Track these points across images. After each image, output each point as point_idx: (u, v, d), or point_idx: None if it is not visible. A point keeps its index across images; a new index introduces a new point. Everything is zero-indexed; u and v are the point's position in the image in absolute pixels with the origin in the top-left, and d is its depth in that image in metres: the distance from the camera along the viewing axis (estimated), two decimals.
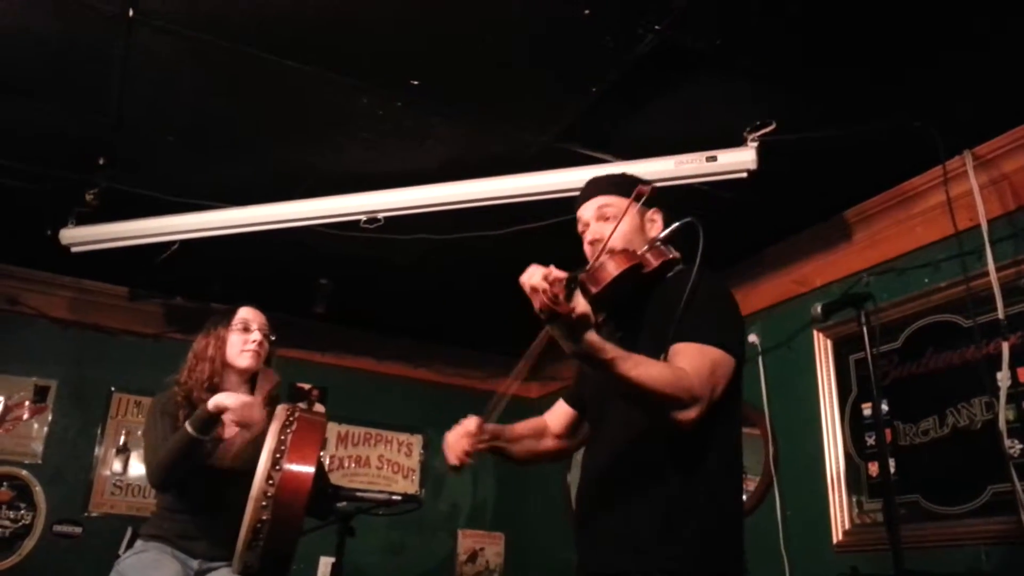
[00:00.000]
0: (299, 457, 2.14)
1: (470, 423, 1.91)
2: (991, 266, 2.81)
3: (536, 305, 1.50)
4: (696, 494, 1.74)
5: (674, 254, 1.93)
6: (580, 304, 1.51)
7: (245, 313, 2.64)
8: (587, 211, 2.02)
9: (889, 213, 3.32)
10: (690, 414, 1.65)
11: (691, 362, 1.71)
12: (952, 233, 2.97)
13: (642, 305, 1.90)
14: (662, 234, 1.97)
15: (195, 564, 2.36)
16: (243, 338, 2.58)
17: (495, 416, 1.93)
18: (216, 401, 2.27)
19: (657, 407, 1.67)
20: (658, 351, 1.75)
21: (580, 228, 2.05)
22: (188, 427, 2.26)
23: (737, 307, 1.93)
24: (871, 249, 3.41)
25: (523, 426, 2.15)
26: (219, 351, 2.56)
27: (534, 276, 1.51)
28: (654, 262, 1.87)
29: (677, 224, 1.95)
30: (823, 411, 3.46)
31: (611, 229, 1.85)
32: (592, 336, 1.55)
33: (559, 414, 2.18)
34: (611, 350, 1.59)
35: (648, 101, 2.84)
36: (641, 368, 1.61)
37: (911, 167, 3.15)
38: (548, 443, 2.17)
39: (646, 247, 1.91)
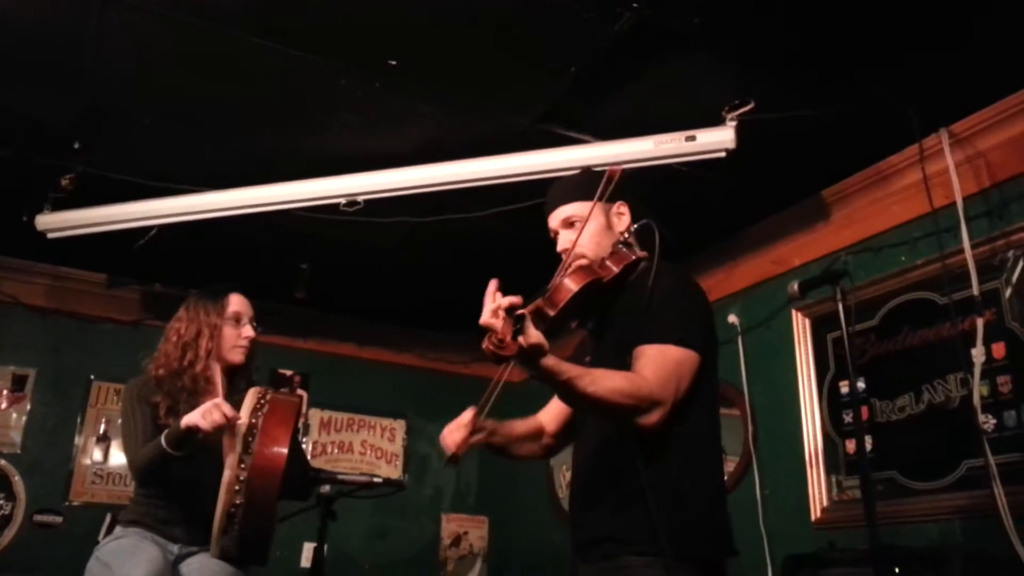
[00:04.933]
0: (271, 440, 2.13)
1: (465, 415, 1.94)
2: (966, 243, 2.83)
3: (483, 346, 1.56)
4: (670, 486, 1.77)
5: (637, 254, 1.96)
6: (531, 336, 1.57)
7: (237, 304, 2.57)
8: (554, 221, 2.06)
9: (866, 192, 3.35)
10: (651, 418, 1.72)
11: (651, 364, 1.76)
12: (928, 211, 3.00)
13: (612, 308, 1.95)
14: (619, 231, 2.00)
15: (175, 549, 2.34)
16: (237, 332, 2.54)
17: (487, 410, 1.95)
18: (187, 422, 2.18)
19: (619, 417, 1.75)
20: (622, 355, 1.80)
21: (551, 235, 2.08)
22: (163, 443, 2.20)
23: (698, 297, 1.95)
24: (848, 228, 3.44)
25: (522, 427, 2.17)
26: (215, 343, 2.50)
27: (486, 312, 1.56)
28: (615, 269, 1.91)
29: (635, 226, 2.00)
30: (801, 390, 3.49)
31: (576, 236, 1.91)
32: (547, 361, 1.62)
33: (554, 413, 2.20)
34: (567, 371, 1.65)
35: (627, 81, 2.83)
36: (599, 383, 1.68)
37: (888, 146, 3.17)
38: (545, 441, 2.20)
39: (608, 253, 1.94)
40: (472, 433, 1.93)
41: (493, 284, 1.60)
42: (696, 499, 1.80)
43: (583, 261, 1.90)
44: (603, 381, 1.68)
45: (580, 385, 1.66)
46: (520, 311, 1.57)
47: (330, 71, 2.77)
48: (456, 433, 1.93)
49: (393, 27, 2.58)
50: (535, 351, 1.58)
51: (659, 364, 1.75)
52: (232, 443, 2.13)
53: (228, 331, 2.53)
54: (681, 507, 1.76)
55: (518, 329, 1.55)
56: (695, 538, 1.76)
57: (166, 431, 2.20)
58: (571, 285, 1.78)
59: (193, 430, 2.16)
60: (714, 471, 1.93)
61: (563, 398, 1.95)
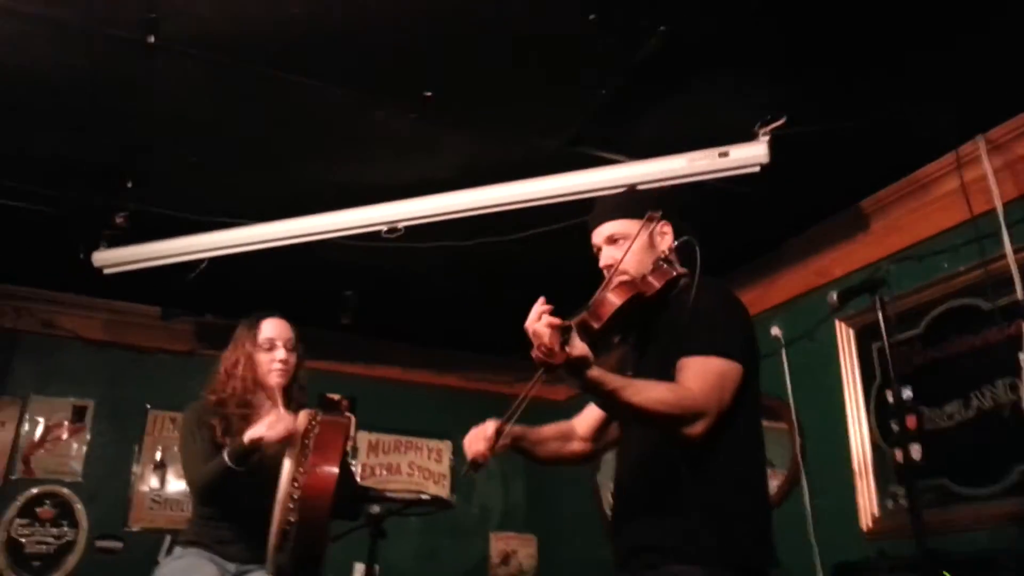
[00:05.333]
0: (322, 459, 2.21)
1: (487, 426, 1.96)
2: (1008, 248, 2.82)
3: (533, 357, 1.59)
4: (715, 496, 1.79)
5: (678, 271, 1.98)
6: (577, 348, 1.62)
7: (268, 331, 2.67)
8: (597, 237, 2.09)
9: (905, 201, 3.34)
10: (696, 428, 1.73)
11: (695, 376, 1.78)
12: (968, 218, 2.99)
13: (653, 324, 1.97)
14: (662, 250, 2.03)
15: (232, 568, 2.43)
16: (270, 357, 2.62)
17: (515, 418, 1.95)
18: (251, 435, 2.31)
19: (663, 427, 1.77)
20: (666, 369, 1.83)
21: (594, 251, 2.12)
22: (226, 458, 2.32)
23: (739, 310, 1.98)
24: (889, 237, 3.42)
25: (549, 429, 2.21)
26: (249, 370, 2.61)
27: (535, 322, 1.62)
28: (657, 285, 1.93)
29: (676, 243, 2.03)
30: (848, 400, 3.47)
31: (621, 254, 1.96)
32: (593, 372, 1.65)
33: (587, 418, 2.23)
34: (612, 381, 1.69)
35: (658, 100, 2.88)
36: (644, 394, 1.71)
37: (925, 154, 3.17)
38: (574, 446, 2.22)
39: (650, 268, 1.97)
40: (496, 440, 1.93)
41: (541, 300, 1.66)
42: (740, 508, 1.81)
43: (625, 276, 1.94)
44: (648, 391, 1.72)
45: (625, 395, 1.69)
46: (566, 323, 1.61)
47: (367, 104, 2.87)
48: (477, 443, 1.95)
49: (425, 59, 2.66)
50: (581, 362, 1.62)
51: (703, 375, 1.78)
52: (292, 455, 2.21)
53: (261, 357, 2.63)
54: (725, 516, 1.77)
55: (565, 340, 1.59)
56: (738, 546, 1.77)
57: (227, 448, 2.30)
58: (615, 299, 1.82)
59: (257, 443, 2.26)
60: (758, 481, 1.94)
61: (608, 410, 1.97)
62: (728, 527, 1.77)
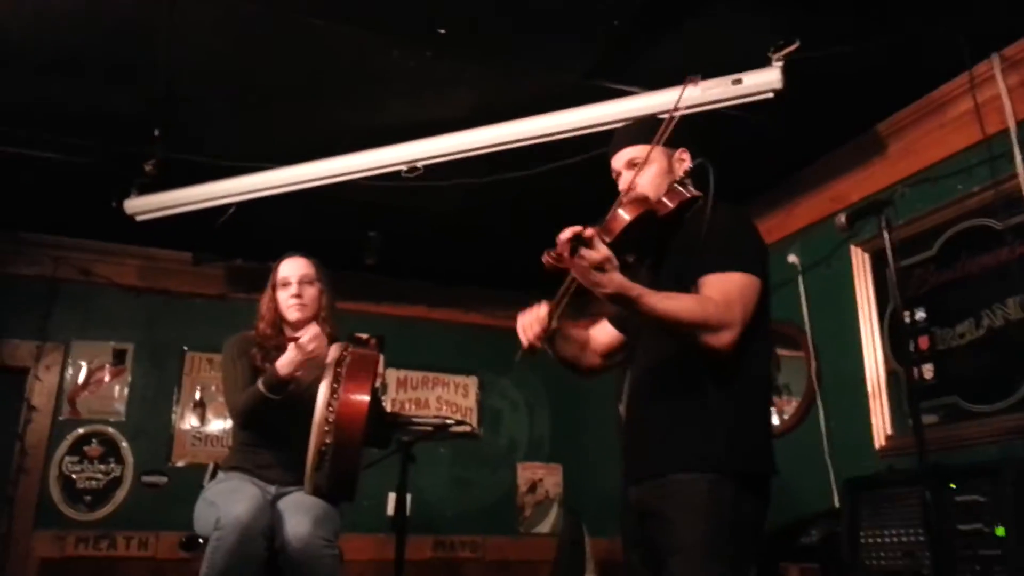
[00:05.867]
0: (355, 386, 2.35)
1: (542, 308, 2.00)
2: (1020, 168, 2.83)
3: (543, 264, 1.67)
4: (729, 404, 1.87)
5: (693, 193, 2.03)
6: (594, 253, 1.66)
7: (284, 269, 2.84)
8: (617, 162, 2.15)
9: (921, 123, 3.34)
10: (722, 338, 1.80)
11: (718, 290, 1.84)
12: (982, 138, 3.00)
13: (668, 245, 2.03)
14: (680, 175, 2.08)
15: (272, 489, 2.60)
16: (286, 293, 2.80)
17: (565, 301, 1.97)
18: (283, 367, 2.48)
19: (689, 335, 1.82)
20: (685, 285, 1.88)
21: (614, 176, 2.17)
22: (262, 387, 2.49)
23: (755, 230, 2.03)
24: (905, 160, 3.44)
25: (577, 332, 2.23)
26: (273, 310, 2.80)
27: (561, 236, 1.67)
28: (671, 204, 1.98)
29: (689, 166, 2.08)
30: (863, 324, 3.53)
31: (638, 177, 2.01)
32: (616, 277, 1.70)
33: (603, 333, 2.28)
34: (636, 288, 1.74)
35: (670, 29, 2.89)
36: (669, 301, 1.77)
37: (940, 75, 3.15)
38: (589, 358, 2.26)
39: (665, 190, 2.02)
40: (549, 324, 1.97)
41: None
42: (745, 418, 1.90)
43: (639, 194, 2.00)
44: (674, 299, 1.78)
45: (650, 301, 1.74)
46: (574, 232, 1.66)
47: (383, 44, 2.92)
48: (534, 327, 1.98)
49: None
50: (601, 264, 1.67)
51: (725, 289, 1.84)
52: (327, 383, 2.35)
53: (280, 295, 2.81)
54: (731, 426, 1.86)
55: (574, 247, 1.64)
56: (741, 454, 1.86)
57: (262, 377, 2.45)
58: (626, 214, 1.87)
59: (289, 370, 2.47)
60: (763, 393, 2.03)
61: (633, 315, 1.93)
62: (733, 436, 1.85)
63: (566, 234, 1.68)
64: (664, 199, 2.00)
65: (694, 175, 2.09)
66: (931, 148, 3.31)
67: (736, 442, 1.86)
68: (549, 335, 2.03)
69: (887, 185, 3.49)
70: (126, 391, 4.77)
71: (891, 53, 2.94)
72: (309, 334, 2.51)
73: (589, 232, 1.70)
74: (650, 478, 1.93)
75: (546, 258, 1.65)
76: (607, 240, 1.80)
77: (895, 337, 3.38)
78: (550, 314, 1.98)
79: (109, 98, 3.29)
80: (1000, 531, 2.35)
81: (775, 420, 3.90)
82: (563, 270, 1.66)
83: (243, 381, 2.60)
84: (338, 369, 2.37)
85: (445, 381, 5.47)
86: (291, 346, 2.49)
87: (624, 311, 1.87)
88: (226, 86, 3.23)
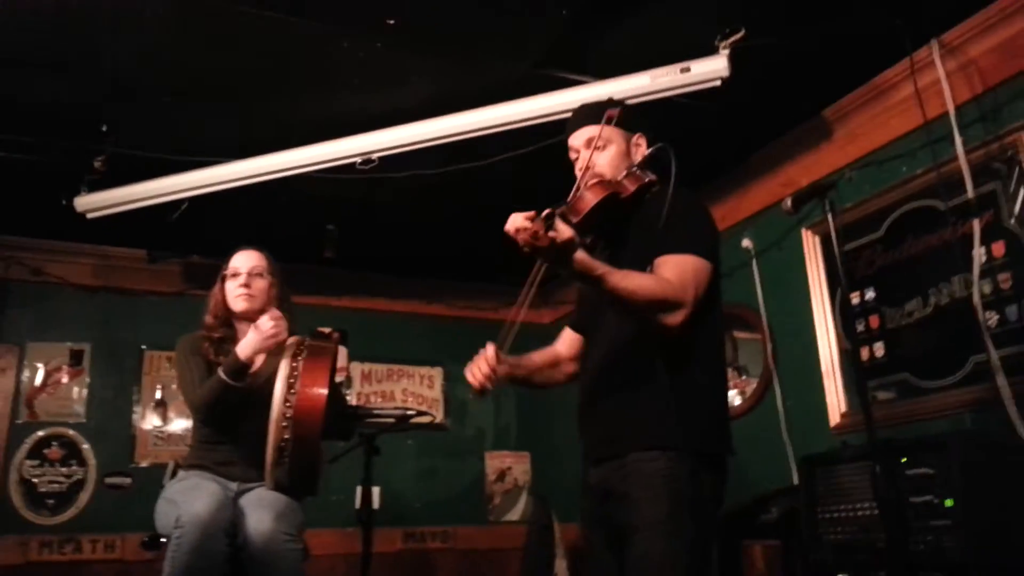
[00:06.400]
0: (311, 380, 2.35)
1: (488, 351, 2.05)
2: (959, 150, 2.92)
3: (520, 243, 1.68)
4: (683, 387, 1.93)
5: (650, 177, 2.09)
6: (563, 232, 1.69)
7: (236, 260, 2.84)
8: (576, 140, 2.19)
9: (865, 108, 3.41)
10: (676, 318, 1.86)
11: (673, 271, 1.90)
12: (923, 122, 3.07)
13: (626, 226, 2.07)
14: (637, 160, 2.13)
15: (234, 486, 2.59)
16: (234, 283, 2.79)
17: (508, 344, 2.07)
18: (243, 351, 2.49)
19: (646, 313, 1.87)
20: (642, 266, 1.93)
21: (571, 156, 2.21)
22: (222, 374, 2.49)
23: (710, 217, 2.10)
24: (851, 145, 3.51)
25: (539, 357, 2.33)
26: (221, 302, 2.80)
27: (515, 220, 1.69)
28: (631, 187, 2.04)
29: (651, 150, 2.13)
30: (815, 305, 3.61)
31: (596, 157, 2.07)
32: (580, 255, 1.74)
33: (568, 340, 2.35)
34: (600, 267, 1.78)
35: (619, 19, 2.92)
36: (629, 280, 1.82)
37: (883, 60, 3.22)
38: (565, 368, 2.33)
39: (624, 173, 2.07)
40: (496, 362, 2.03)
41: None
42: (701, 398, 1.96)
43: (599, 178, 2.04)
44: (633, 278, 1.83)
45: (612, 280, 1.78)
46: (548, 212, 1.67)
47: (333, 36, 2.91)
48: (481, 370, 2.04)
49: None
50: (568, 244, 1.70)
51: (680, 270, 1.90)
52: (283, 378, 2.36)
53: (228, 285, 2.81)
54: (687, 406, 1.91)
55: (549, 225, 1.66)
56: (699, 433, 1.91)
57: (223, 364, 2.45)
58: (592, 196, 1.93)
59: (249, 355, 2.47)
60: (718, 375, 2.09)
61: (594, 292, 1.97)
62: (690, 416, 1.91)
63: (518, 220, 1.69)
64: (625, 182, 2.06)
65: (652, 160, 2.14)
66: (875, 132, 3.39)
67: (691, 422, 1.91)
68: (504, 378, 2.09)
69: (835, 169, 3.57)
70: (85, 392, 4.71)
71: (835, 40, 3.00)
72: (268, 315, 2.51)
73: (563, 208, 1.76)
74: (610, 459, 1.98)
75: (524, 238, 1.65)
76: (573, 221, 1.85)
77: (846, 317, 3.46)
78: (497, 351, 2.02)
79: (53, 93, 3.23)
80: (949, 502, 2.43)
81: (736, 401, 3.97)
82: (540, 249, 1.66)
83: (199, 376, 2.59)
84: (294, 363, 2.37)
85: (410, 373, 5.48)
86: (251, 329, 2.49)
87: (586, 290, 1.91)
88: (174, 80, 3.19)
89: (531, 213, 1.68)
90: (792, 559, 3.11)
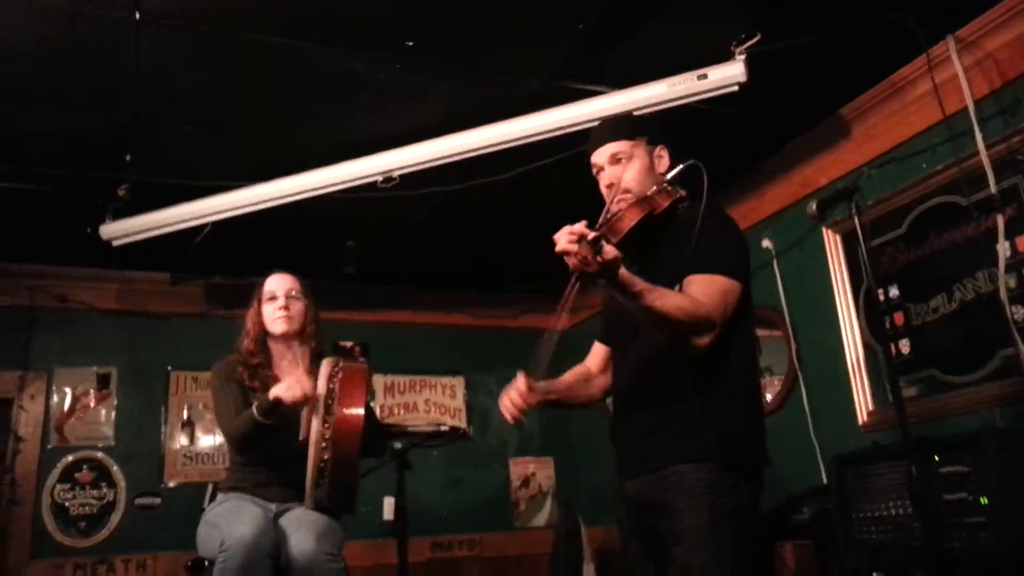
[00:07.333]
0: (348, 400, 2.39)
1: (519, 382, 2.05)
2: (980, 145, 2.92)
3: (570, 266, 1.71)
4: (716, 401, 1.95)
5: (681, 193, 2.12)
6: (608, 252, 1.72)
7: (270, 283, 2.88)
8: (599, 157, 2.20)
9: (883, 106, 3.41)
10: (704, 339, 1.90)
11: (703, 291, 1.92)
12: (942, 118, 3.07)
13: (657, 241, 2.10)
14: (669, 176, 2.14)
15: (273, 507, 2.62)
16: (272, 307, 2.83)
17: (542, 368, 2.08)
18: (274, 394, 2.51)
19: (678, 333, 1.91)
20: (672, 281, 1.95)
21: (595, 172, 2.22)
22: (255, 413, 2.51)
23: (741, 235, 2.13)
24: (870, 143, 3.51)
25: (571, 376, 2.34)
26: (258, 324, 2.83)
27: (562, 240, 1.71)
28: (664, 204, 2.06)
29: (682, 166, 2.13)
30: (839, 304, 3.62)
31: (621, 172, 2.10)
32: (624, 273, 1.77)
33: (597, 355, 2.37)
34: (639, 283, 1.81)
35: (634, 29, 2.94)
36: (665, 299, 1.84)
37: (900, 58, 3.22)
38: (599, 382, 2.35)
39: (655, 189, 2.09)
40: (528, 392, 2.04)
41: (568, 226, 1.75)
42: (737, 412, 1.98)
43: (630, 196, 2.06)
44: (669, 297, 1.86)
45: (649, 298, 1.81)
46: (592, 235, 1.71)
47: (352, 59, 2.94)
48: (514, 403, 2.05)
49: (405, 9, 2.71)
50: (614, 264, 1.74)
51: (710, 291, 1.92)
52: (312, 410, 2.37)
53: (266, 308, 2.84)
54: (724, 419, 1.93)
55: (597, 250, 1.69)
56: (736, 446, 1.93)
57: (256, 403, 2.48)
58: (632, 216, 1.97)
59: (278, 401, 2.42)
60: (753, 388, 2.10)
61: (627, 304, 1.97)
62: (727, 429, 1.93)
63: (566, 236, 1.71)
64: (657, 198, 2.07)
65: (683, 176, 2.15)
66: (894, 129, 3.39)
67: (730, 434, 1.93)
68: (537, 406, 2.11)
69: (854, 168, 3.57)
70: (113, 415, 4.76)
71: (851, 39, 3.01)
72: (285, 385, 2.52)
73: (603, 230, 1.80)
74: (647, 472, 1.99)
75: (574, 261, 1.69)
76: (613, 240, 1.88)
77: (871, 315, 3.46)
78: (528, 380, 2.04)
79: (79, 125, 3.28)
80: (984, 499, 2.44)
81: None
82: (589, 273, 1.71)
83: (235, 404, 2.63)
84: (331, 385, 2.41)
85: (432, 383, 5.51)
86: (290, 377, 2.52)
87: (611, 300, 1.95)
88: (195, 108, 3.23)
89: (575, 231, 1.70)
90: (825, 559, 3.12)
